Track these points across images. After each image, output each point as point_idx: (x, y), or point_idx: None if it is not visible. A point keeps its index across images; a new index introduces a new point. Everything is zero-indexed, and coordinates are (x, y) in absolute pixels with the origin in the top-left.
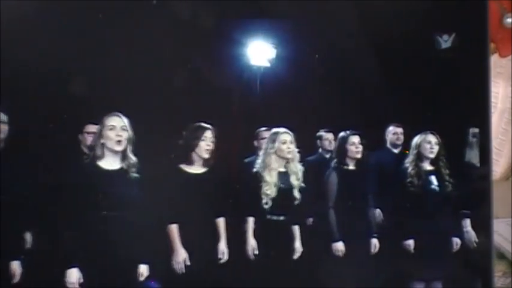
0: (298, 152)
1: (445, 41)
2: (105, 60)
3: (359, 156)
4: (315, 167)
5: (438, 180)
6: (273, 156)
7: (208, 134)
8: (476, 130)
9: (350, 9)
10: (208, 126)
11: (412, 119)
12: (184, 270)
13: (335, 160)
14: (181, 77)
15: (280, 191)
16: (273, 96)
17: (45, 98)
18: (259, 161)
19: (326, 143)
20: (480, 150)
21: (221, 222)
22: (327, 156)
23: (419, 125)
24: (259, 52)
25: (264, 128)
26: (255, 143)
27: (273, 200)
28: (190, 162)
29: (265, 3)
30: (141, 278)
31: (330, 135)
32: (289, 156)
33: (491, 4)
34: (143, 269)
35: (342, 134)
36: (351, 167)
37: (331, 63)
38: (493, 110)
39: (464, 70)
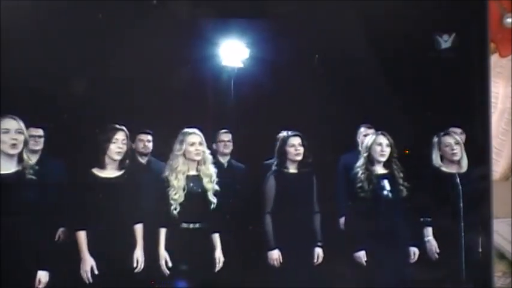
0: (211, 153)
1: (445, 41)
2: (104, 60)
3: (299, 158)
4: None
5: (391, 185)
6: (180, 159)
7: (120, 136)
8: (458, 130)
9: (347, 8)
10: (120, 127)
11: (412, 119)
12: (91, 279)
13: (275, 162)
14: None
15: (190, 195)
16: (244, 97)
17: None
18: (168, 164)
19: None
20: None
21: (139, 228)
22: None
23: (420, 125)
24: (233, 52)
25: (223, 130)
26: (214, 145)
27: (182, 205)
28: (102, 165)
29: (245, 2)
30: (40, 286)
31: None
32: (197, 158)
33: (491, 4)
34: (41, 276)
35: (283, 134)
36: (292, 170)
37: (328, 64)
38: (493, 110)
39: (464, 70)
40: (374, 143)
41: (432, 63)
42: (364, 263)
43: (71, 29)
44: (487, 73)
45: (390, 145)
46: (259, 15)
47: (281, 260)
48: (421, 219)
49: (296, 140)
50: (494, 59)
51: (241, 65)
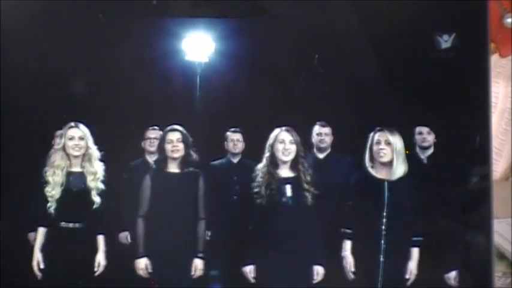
0: (99, 149)
1: (445, 41)
2: (104, 60)
3: (176, 156)
4: (218, 173)
5: (294, 190)
6: (59, 154)
7: None
8: (425, 129)
9: (347, 8)
10: None
11: (412, 119)
12: None
13: (154, 159)
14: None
15: (70, 192)
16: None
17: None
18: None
19: (231, 144)
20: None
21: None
22: (235, 161)
23: (420, 125)
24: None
25: (151, 127)
26: (142, 143)
27: (60, 203)
28: None
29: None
30: None
31: (237, 136)
32: (75, 153)
33: (491, 4)
34: None
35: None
36: (173, 169)
37: (330, 63)
38: (493, 110)
39: (464, 70)
40: (276, 140)
41: (432, 63)
42: (252, 280)
43: (70, 28)
44: (487, 73)
45: (295, 143)
46: (257, 15)
47: (150, 270)
48: (341, 230)
49: (174, 136)
50: (494, 59)
51: (207, 60)
